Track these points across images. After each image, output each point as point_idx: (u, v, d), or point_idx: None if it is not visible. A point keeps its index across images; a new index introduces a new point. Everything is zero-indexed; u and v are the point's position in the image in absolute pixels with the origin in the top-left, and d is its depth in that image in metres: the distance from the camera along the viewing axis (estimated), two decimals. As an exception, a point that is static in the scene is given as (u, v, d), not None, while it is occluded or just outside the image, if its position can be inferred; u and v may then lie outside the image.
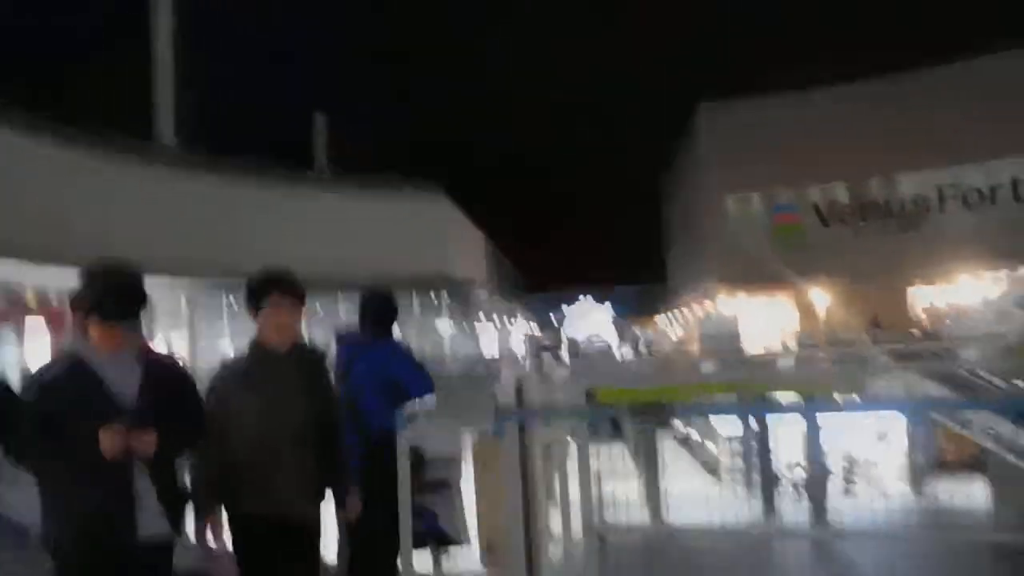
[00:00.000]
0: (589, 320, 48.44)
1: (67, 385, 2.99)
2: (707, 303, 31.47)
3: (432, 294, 27.64)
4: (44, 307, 19.92)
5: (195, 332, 24.13)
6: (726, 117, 30.82)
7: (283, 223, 24.30)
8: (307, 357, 3.66)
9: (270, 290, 3.60)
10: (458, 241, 30.01)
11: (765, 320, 28.26)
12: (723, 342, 24.81)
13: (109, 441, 2.87)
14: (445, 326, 28.50)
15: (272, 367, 3.51)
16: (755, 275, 28.02)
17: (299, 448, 3.41)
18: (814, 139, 27.92)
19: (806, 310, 28.24)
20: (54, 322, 19.57)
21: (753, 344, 25.27)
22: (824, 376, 14.39)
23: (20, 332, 18.66)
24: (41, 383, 3.05)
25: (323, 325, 25.89)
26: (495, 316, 33.82)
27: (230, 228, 23.47)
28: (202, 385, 3.55)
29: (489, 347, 30.81)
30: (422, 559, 4.30)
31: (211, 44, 28.05)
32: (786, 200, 30.88)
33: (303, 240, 23.54)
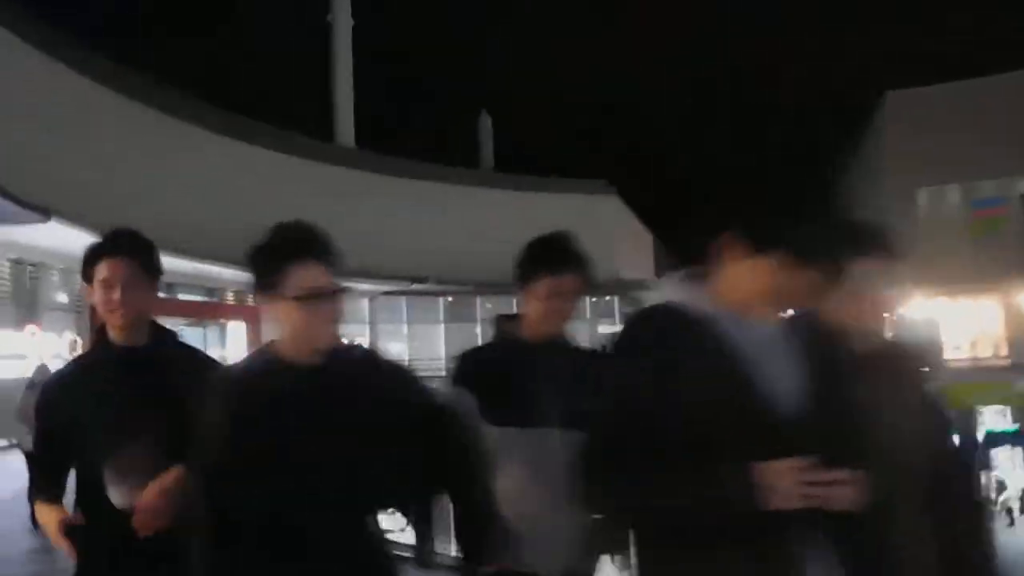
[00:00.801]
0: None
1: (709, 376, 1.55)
2: (898, 309, 29.12)
3: (603, 297, 27.30)
4: (243, 307, 21.21)
5: (376, 336, 25.00)
6: (915, 105, 28.45)
7: (453, 224, 24.50)
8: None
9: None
10: (627, 240, 29.36)
11: (966, 327, 25.82)
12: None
13: (786, 481, 1.48)
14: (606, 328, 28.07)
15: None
16: (953, 277, 25.63)
17: None
18: (1015, 126, 25.20)
19: (1015, 315, 25.53)
20: (252, 321, 20.78)
21: (954, 354, 23.11)
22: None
23: (223, 333, 19.95)
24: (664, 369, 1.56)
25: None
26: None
27: (401, 229, 23.83)
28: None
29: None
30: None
31: (384, 43, 28.72)
32: (988, 193, 28.07)
33: (473, 240, 23.69)
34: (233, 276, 19.95)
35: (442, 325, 26.26)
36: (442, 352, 25.52)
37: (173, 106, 18.09)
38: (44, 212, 12.06)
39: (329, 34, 27.03)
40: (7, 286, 14.30)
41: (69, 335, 15.26)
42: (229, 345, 20.17)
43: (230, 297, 21.21)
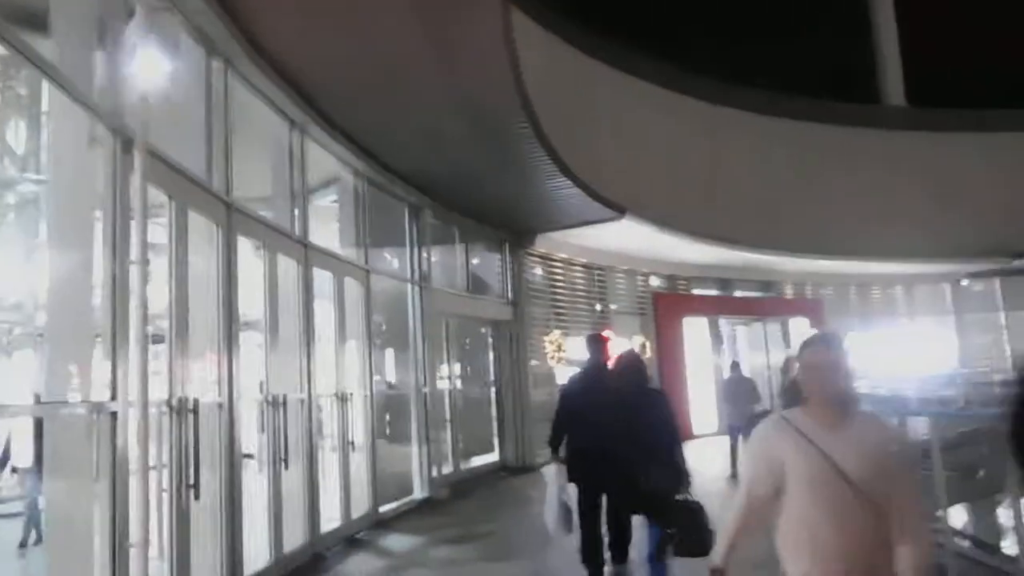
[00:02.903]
0: None
1: None
2: None
3: None
4: (803, 300, 18.85)
5: (963, 327, 20.43)
6: None
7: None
8: None
9: None
10: None
11: None
12: None
13: None
14: None
15: None
16: None
17: None
18: None
19: None
20: (814, 316, 18.28)
21: None
22: None
23: (785, 329, 17.80)
24: None
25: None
26: None
27: (982, 193, 18.86)
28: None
29: None
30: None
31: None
32: None
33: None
34: (793, 267, 17.76)
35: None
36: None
37: (713, 95, 16.51)
38: (620, 210, 11.28)
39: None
40: (583, 288, 14.16)
41: (637, 339, 14.54)
42: (793, 342, 17.91)
43: (789, 291, 18.95)
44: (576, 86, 11.26)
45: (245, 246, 6.01)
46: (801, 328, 18.09)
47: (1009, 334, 20.51)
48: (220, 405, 4.95)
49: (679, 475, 4.52)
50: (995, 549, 5.55)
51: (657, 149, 13.74)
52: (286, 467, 5.97)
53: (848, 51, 23.92)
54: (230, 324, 5.09)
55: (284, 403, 6.02)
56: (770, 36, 22.41)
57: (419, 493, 9.29)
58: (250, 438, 6.07)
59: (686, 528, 4.32)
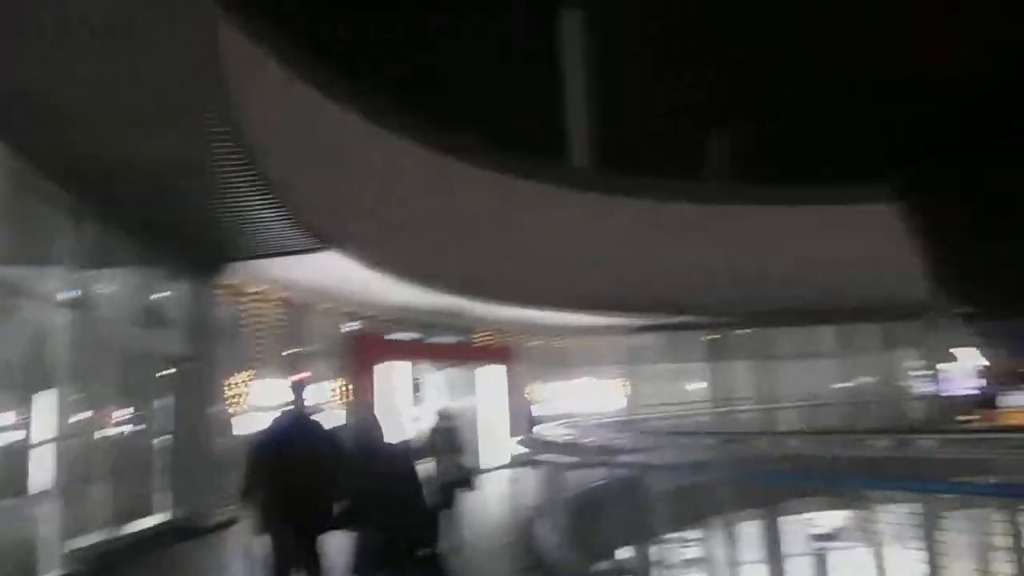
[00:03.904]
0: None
1: None
2: None
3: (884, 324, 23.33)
4: (491, 347, 19.10)
5: (635, 379, 22.29)
6: None
7: (712, 246, 21.22)
8: None
9: None
10: (905, 257, 24.83)
11: None
12: None
13: None
14: (911, 361, 23.85)
15: None
16: None
17: None
18: None
19: None
20: (502, 362, 18.49)
21: None
22: None
23: (471, 378, 17.77)
24: None
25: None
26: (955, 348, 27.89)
27: (653, 255, 20.83)
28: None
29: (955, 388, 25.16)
30: None
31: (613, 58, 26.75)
32: None
33: (737, 265, 20.47)
34: (487, 313, 17.98)
35: (705, 364, 23.15)
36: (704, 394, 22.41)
37: (428, 140, 16.30)
38: (325, 240, 10.38)
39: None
40: (278, 326, 12.89)
41: (334, 383, 13.56)
42: (480, 392, 17.79)
43: (480, 337, 19.14)
44: (287, 107, 10.28)
45: None
46: (490, 375, 18.23)
47: (670, 384, 22.91)
48: None
49: (434, 524, 4.74)
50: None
51: (367, 186, 13.15)
52: None
53: (548, 114, 25.62)
54: None
55: None
56: (481, 91, 23.29)
57: (51, 572, 7.40)
58: None
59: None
